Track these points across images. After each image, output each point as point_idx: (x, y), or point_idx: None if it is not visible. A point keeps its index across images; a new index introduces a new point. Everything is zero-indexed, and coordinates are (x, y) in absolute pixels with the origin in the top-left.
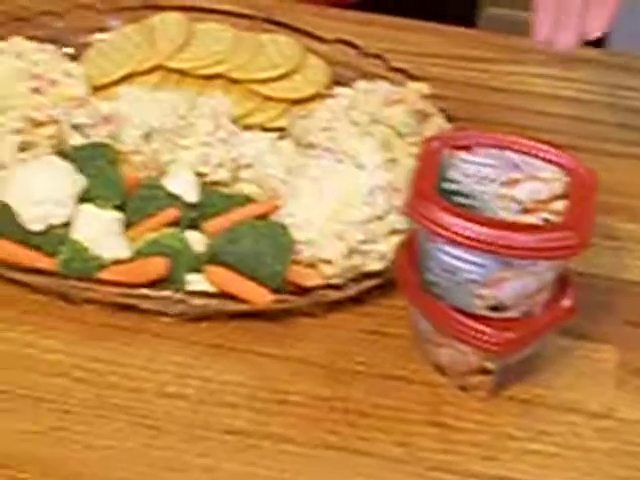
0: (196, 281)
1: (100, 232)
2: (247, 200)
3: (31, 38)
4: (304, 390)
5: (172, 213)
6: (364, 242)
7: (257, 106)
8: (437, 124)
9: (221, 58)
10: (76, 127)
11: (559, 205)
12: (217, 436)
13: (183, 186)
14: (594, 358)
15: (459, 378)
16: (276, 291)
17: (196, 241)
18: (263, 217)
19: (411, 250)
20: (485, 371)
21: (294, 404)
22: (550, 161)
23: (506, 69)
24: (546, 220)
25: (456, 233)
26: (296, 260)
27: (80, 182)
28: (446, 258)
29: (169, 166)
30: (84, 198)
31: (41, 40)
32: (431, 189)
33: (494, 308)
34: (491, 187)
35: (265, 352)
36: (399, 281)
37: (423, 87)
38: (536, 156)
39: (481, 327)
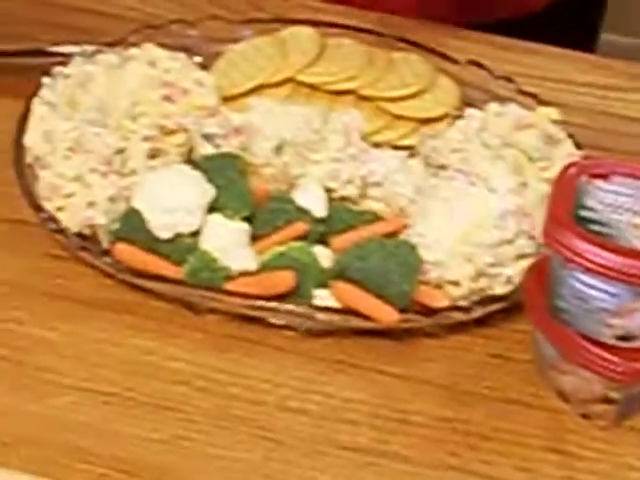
0: (322, 296)
1: (228, 243)
2: (375, 217)
3: (162, 46)
4: (426, 410)
5: (301, 227)
6: (492, 265)
7: (386, 124)
8: (567, 150)
9: (353, 74)
10: (207, 137)
11: None
12: (337, 452)
13: (312, 200)
14: None
15: (582, 406)
16: (402, 310)
17: (323, 256)
18: (391, 235)
19: (541, 275)
20: (609, 400)
21: (415, 424)
22: None
23: (634, 97)
24: None
25: (590, 261)
26: (422, 280)
27: (210, 192)
28: (578, 285)
29: (298, 180)
30: (212, 208)
31: (171, 48)
32: (567, 216)
33: (622, 337)
34: (626, 216)
35: (388, 370)
36: (527, 305)
37: (552, 112)
38: None
39: (609, 356)
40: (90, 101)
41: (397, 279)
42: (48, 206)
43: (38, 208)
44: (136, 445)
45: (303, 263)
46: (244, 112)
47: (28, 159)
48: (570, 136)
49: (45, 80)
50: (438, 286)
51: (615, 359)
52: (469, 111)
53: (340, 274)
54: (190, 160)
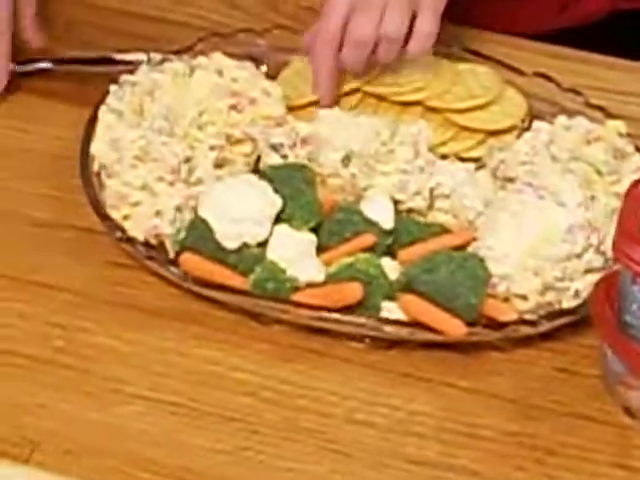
0: (389, 308)
1: (294, 254)
2: (443, 230)
3: (229, 55)
4: (493, 424)
5: (369, 239)
6: (560, 279)
7: (453, 135)
8: (635, 163)
9: (420, 85)
10: (274, 147)
11: None
12: (403, 465)
13: (380, 212)
14: None
15: None
16: (470, 324)
17: (390, 268)
18: (459, 248)
19: (610, 290)
20: None
21: (482, 438)
22: None
23: None
24: None
25: None
26: (490, 293)
27: (277, 202)
28: None
29: (366, 191)
30: (279, 218)
31: (239, 57)
32: (638, 231)
33: None
34: None
35: (454, 384)
36: (595, 320)
37: (620, 125)
38: None
39: None
40: (157, 109)
41: (465, 292)
42: (114, 214)
43: (104, 216)
44: (201, 456)
45: (370, 275)
46: (311, 122)
47: (95, 167)
48: (638, 150)
49: (112, 88)
50: (506, 299)
51: None
52: (536, 124)
53: (407, 286)
54: (257, 170)
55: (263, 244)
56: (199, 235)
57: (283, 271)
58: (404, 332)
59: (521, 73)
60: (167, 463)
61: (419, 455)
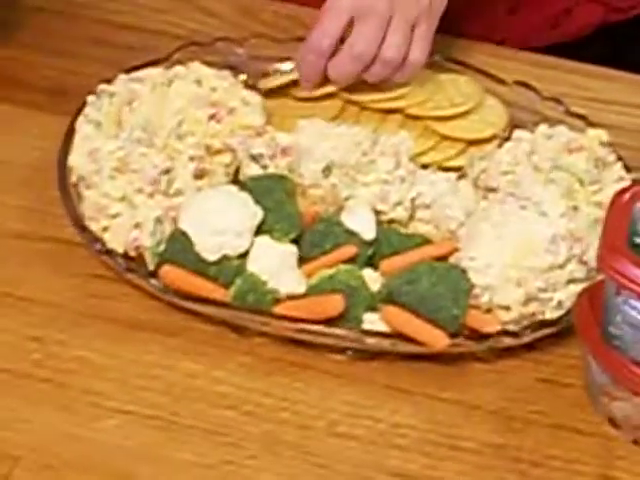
0: (371, 320)
1: (275, 265)
2: (425, 240)
3: (207, 64)
4: (476, 436)
5: (350, 250)
6: (543, 290)
7: (434, 145)
8: (617, 173)
9: (401, 93)
10: (254, 157)
11: None
12: (386, 478)
13: (361, 223)
14: None
15: (632, 432)
16: (452, 335)
17: (372, 279)
18: (441, 259)
19: (593, 301)
20: None
21: (465, 450)
22: None
23: None
24: None
25: None
26: (473, 304)
27: (258, 214)
28: (633, 312)
29: (347, 202)
30: (260, 230)
31: (217, 66)
32: (622, 242)
33: None
34: None
35: (437, 395)
36: (579, 331)
37: (602, 134)
38: None
39: None
40: (136, 120)
41: (447, 303)
42: (93, 226)
43: (83, 229)
44: (183, 470)
45: (352, 287)
46: (292, 132)
47: (73, 179)
48: (620, 159)
49: (90, 98)
50: (488, 310)
51: None
52: (517, 133)
53: (389, 298)
54: (237, 180)
55: (244, 256)
56: (179, 247)
57: (264, 283)
58: (386, 344)
59: (502, 82)
60: (148, 477)
61: (402, 468)
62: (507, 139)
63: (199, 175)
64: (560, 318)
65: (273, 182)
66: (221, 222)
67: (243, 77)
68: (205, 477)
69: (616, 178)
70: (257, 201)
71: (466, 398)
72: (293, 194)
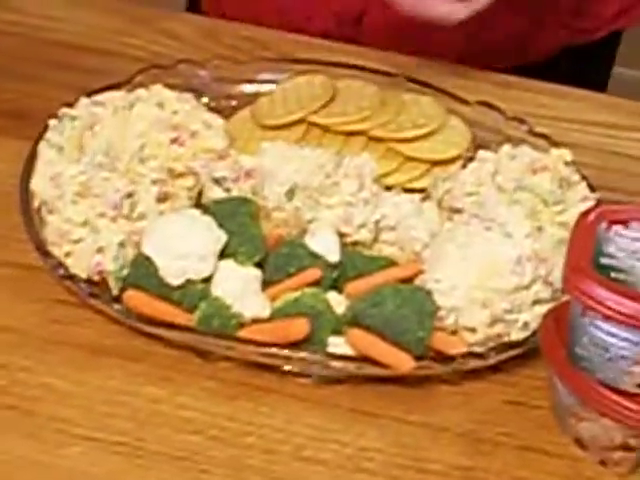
0: (336, 343)
1: (239, 289)
2: (389, 262)
3: (169, 86)
4: (443, 459)
5: (314, 273)
6: (508, 311)
7: (398, 166)
8: (581, 192)
9: (364, 115)
10: (217, 180)
11: None
12: None
13: (326, 245)
14: None
15: (600, 453)
16: (418, 357)
17: (337, 302)
18: (406, 281)
19: (559, 322)
20: (627, 447)
21: (433, 473)
22: None
23: None
24: None
25: (610, 308)
26: (438, 326)
27: (221, 238)
28: (599, 333)
29: (311, 224)
30: (224, 253)
31: (179, 89)
32: (587, 263)
33: None
34: None
35: (404, 418)
36: (545, 352)
37: (566, 153)
38: None
39: (629, 404)
40: (98, 144)
41: (412, 326)
42: (56, 251)
43: (46, 254)
44: None
45: (317, 310)
46: (255, 155)
47: (35, 203)
48: (584, 178)
49: (51, 122)
50: (454, 332)
51: (635, 407)
52: (481, 153)
53: (354, 320)
54: (200, 204)
55: (208, 280)
56: (143, 272)
57: (228, 307)
58: (351, 367)
59: (464, 102)
60: None
61: None
62: (471, 159)
63: (162, 199)
64: (526, 339)
65: (236, 205)
66: (184, 246)
67: (205, 100)
68: None
69: (580, 197)
70: (220, 224)
71: (433, 421)
72: (257, 217)
